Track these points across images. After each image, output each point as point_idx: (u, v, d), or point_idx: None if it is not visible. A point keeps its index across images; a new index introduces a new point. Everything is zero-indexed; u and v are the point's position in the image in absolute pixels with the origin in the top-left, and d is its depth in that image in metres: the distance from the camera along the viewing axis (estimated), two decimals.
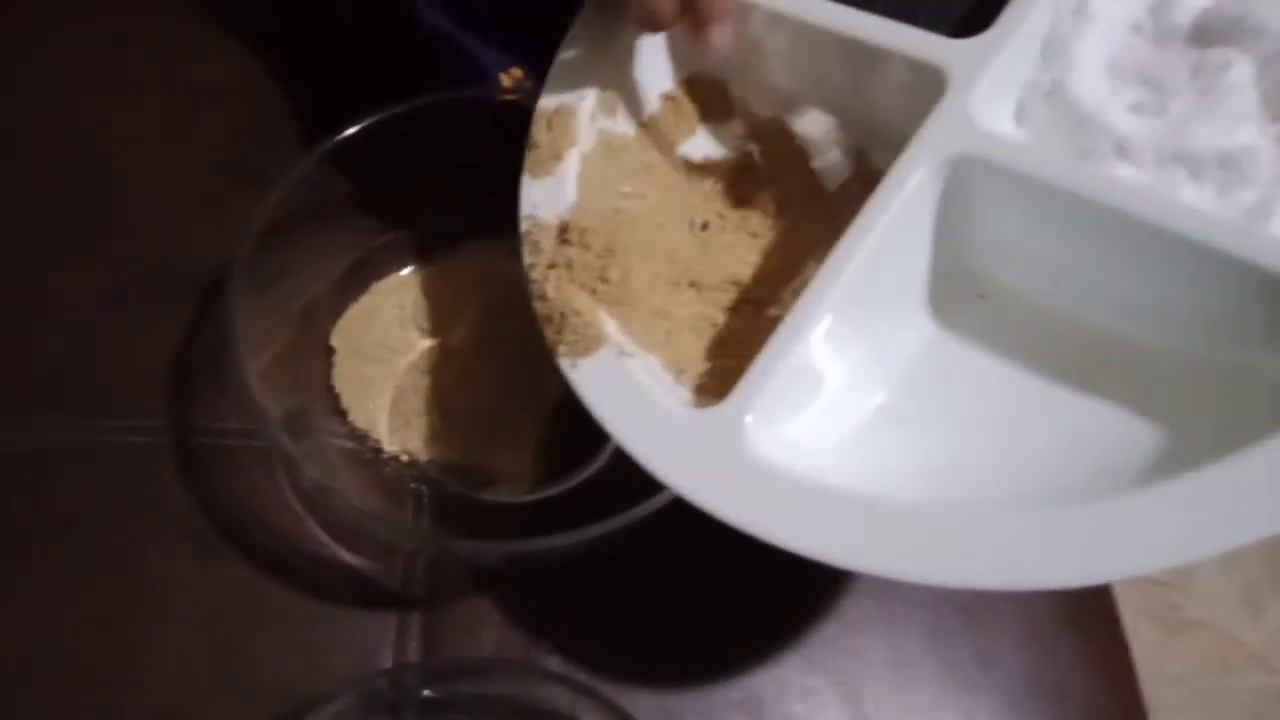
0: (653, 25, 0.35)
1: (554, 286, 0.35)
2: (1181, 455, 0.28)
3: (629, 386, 0.33)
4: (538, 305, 0.35)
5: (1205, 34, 0.33)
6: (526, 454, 0.44)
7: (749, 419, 0.31)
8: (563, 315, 0.34)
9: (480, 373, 0.45)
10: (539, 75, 0.41)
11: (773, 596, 0.42)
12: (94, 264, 0.48)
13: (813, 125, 0.39)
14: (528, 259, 0.36)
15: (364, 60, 0.54)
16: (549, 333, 0.35)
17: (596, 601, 0.42)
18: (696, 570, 0.42)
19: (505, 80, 0.49)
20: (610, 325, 0.34)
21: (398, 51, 0.53)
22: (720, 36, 0.35)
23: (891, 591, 0.43)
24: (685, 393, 0.34)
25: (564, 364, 0.34)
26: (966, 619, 0.42)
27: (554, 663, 0.41)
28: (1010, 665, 0.42)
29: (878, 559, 0.28)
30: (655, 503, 0.35)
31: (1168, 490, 0.26)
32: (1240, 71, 0.32)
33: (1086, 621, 0.44)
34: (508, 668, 0.41)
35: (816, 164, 0.39)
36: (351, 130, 0.44)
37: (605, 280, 0.34)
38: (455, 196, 0.49)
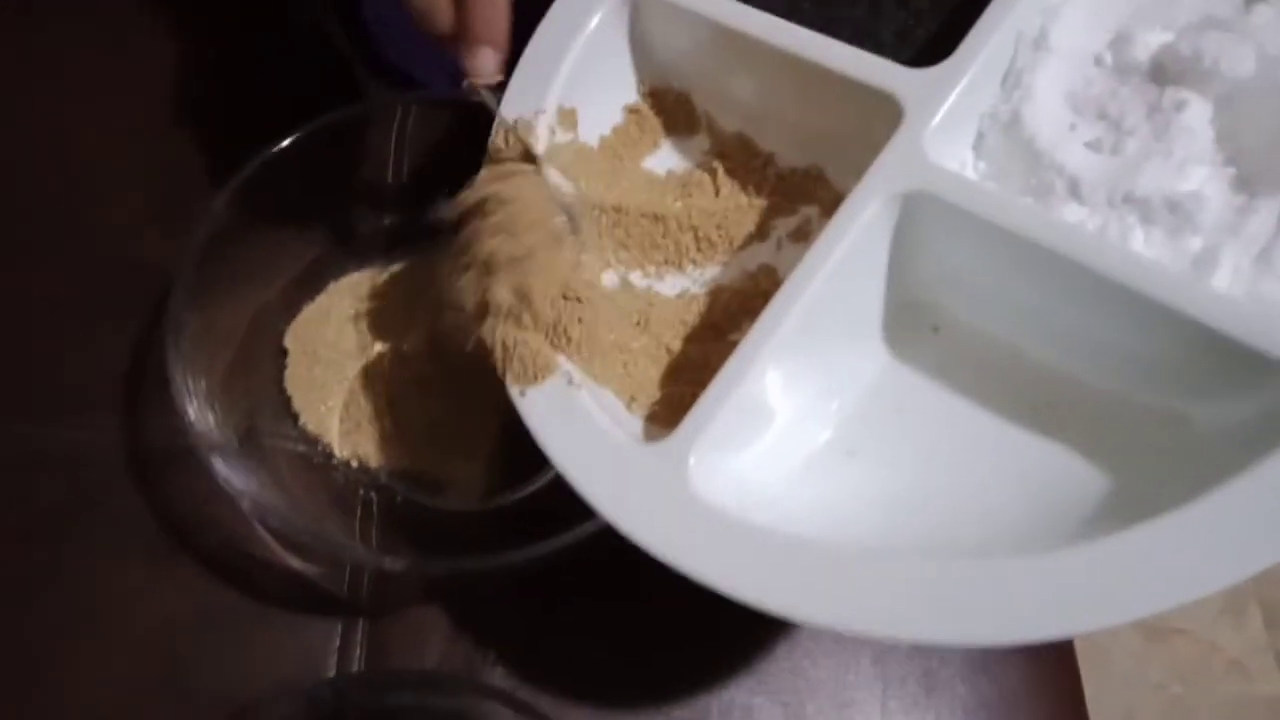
0: (425, 26, 0.35)
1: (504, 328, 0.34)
2: (1120, 503, 0.28)
3: (576, 417, 0.32)
4: (486, 333, 0.35)
5: (1163, 72, 0.32)
6: (478, 463, 0.44)
7: (693, 458, 0.30)
8: (512, 343, 0.34)
9: (434, 378, 0.45)
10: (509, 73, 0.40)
11: (720, 614, 0.41)
12: (47, 268, 0.48)
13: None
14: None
15: (325, 57, 0.53)
16: (497, 360, 0.34)
17: (543, 615, 0.42)
18: (644, 587, 0.41)
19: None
20: (560, 355, 0.34)
21: (357, 48, 0.52)
22: (485, 60, 0.36)
23: None
24: (636, 422, 0.34)
25: (512, 392, 0.33)
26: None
27: (498, 674, 0.41)
28: (957, 688, 0.42)
29: (813, 609, 0.28)
30: (603, 520, 0.34)
31: (1103, 548, 0.26)
32: (1195, 112, 0.31)
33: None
34: (449, 682, 0.40)
35: None
36: (305, 130, 0.43)
37: (567, 336, 0.34)
38: (415, 196, 0.49)
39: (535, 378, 0.33)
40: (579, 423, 0.32)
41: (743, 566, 0.29)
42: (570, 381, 0.33)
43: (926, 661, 0.42)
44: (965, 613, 0.26)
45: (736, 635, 0.42)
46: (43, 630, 0.41)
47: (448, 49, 0.36)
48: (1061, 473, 0.30)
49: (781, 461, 0.33)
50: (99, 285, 0.47)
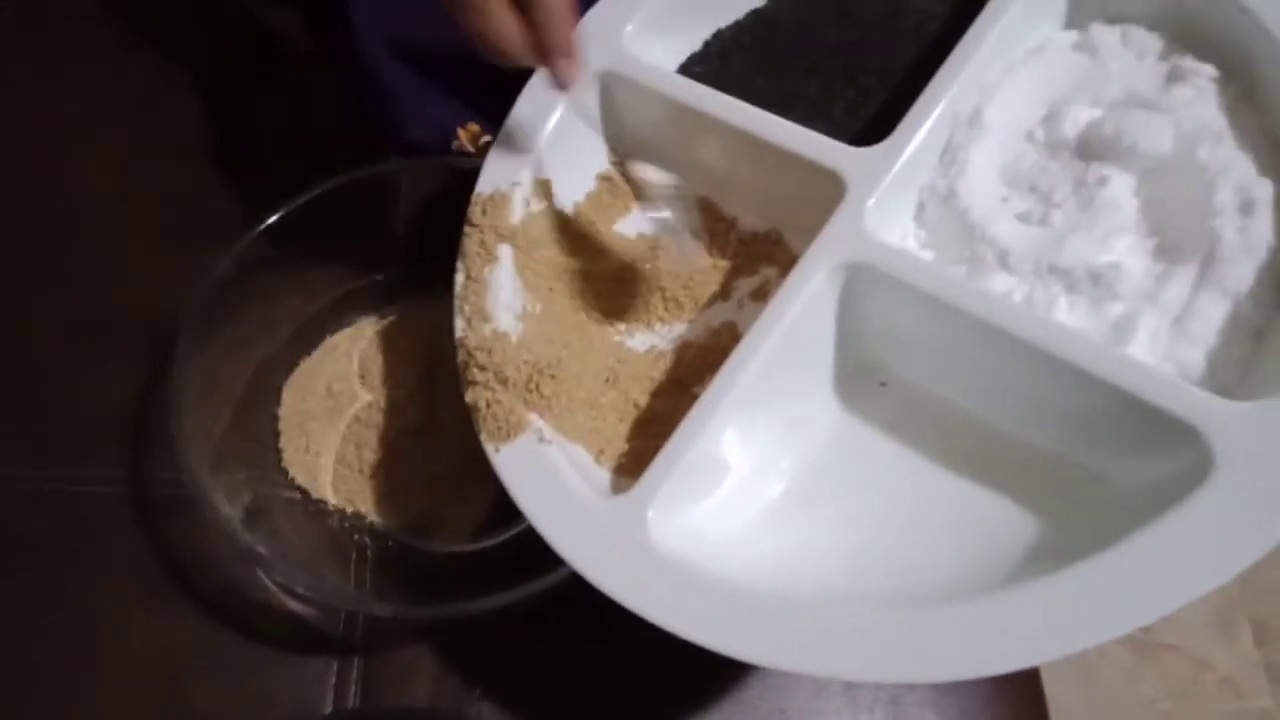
0: (500, 58, 0.36)
1: (481, 389, 0.37)
2: (1047, 550, 0.30)
3: (546, 472, 0.35)
4: (466, 393, 0.37)
5: (1089, 148, 0.35)
6: (465, 507, 0.46)
7: (651, 512, 0.33)
8: (486, 404, 0.36)
9: (424, 428, 0.47)
10: (495, 130, 0.42)
11: (693, 649, 0.44)
12: (54, 312, 0.50)
13: (652, 174, 0.41)
14: (461, 356, 0.38)
15: (329, 113, 0.56)
16: (475, 418, 0.37)
17: (527, 653, 0.44)
18: (626, 622, 0.43)
19: (463, 135, 0.51)
20: (532, 414, 0.36)
21: (359, 104, 0.55)
22: (568, 70, 0.37)
23: None
24: (604, 474, 0.37)
25: (488, 449, 0.36)
26: None
27: (485, 709, 0.43)
28: (926, 714, 0.43)
29: (765, 653, 0.30)
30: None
31: (1025, 594, 0.28)
32: (1118, 186, 0.34)
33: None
34: (440, 717, 0.43)
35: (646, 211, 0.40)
36: (305, 197, 0.45)
37: (540, 394, 0.36)
38: (410, 254, 0.51)
39: (508, 436, 0.36)
40: (548, 478, 0.35)
41: (699, 613, 0.31)
42: (541, 438, 0.36)
43: (894, 689, 0.44)
44: (911, 654, 0.29)
45: (710, 666, 0.43)
46: (42, 665, 0.42)
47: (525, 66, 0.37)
48: (996, 522, 0.33)
49: (739, 513, 0.35)
50: (103, 329, 0.49)
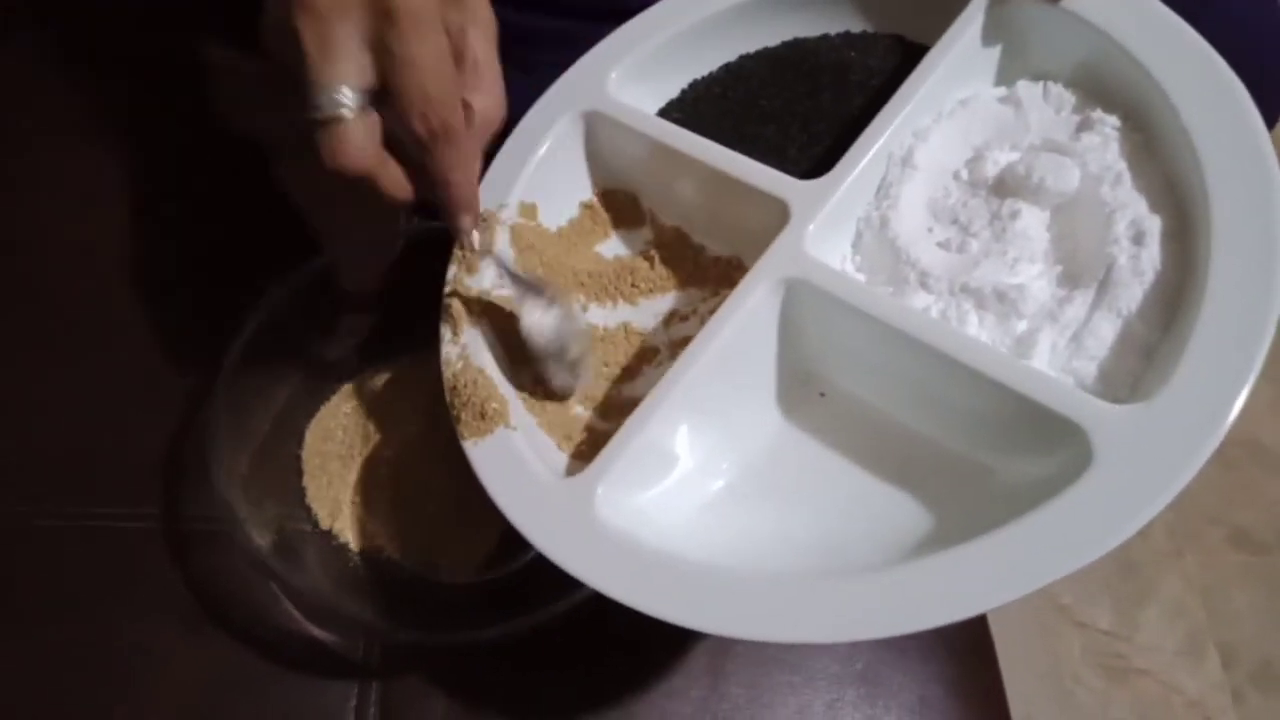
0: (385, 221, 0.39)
1: (465, 384, 0.41)
2: (938, 534, 0.34)
3: (511, 459, 0.39)
4: (449, 395, 0.41)
5: (1004, 186, 0.39)
6: (475, 542, 0.49)
7: (600, 489, 0.37)
8: (467, 403, 0.40)
9: (435, 467, 0.50)
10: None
11: (692, 668, 0.47)
12: (90, 361, 0.53)
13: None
14: (444, 350, 0.42)
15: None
16: (454, 417, 0.40)
17: (533, 675, 0.47)
18: (628, 645, 0.47)
19: None
20: (506, 407, 0.40)
21: None
22: (461, 223, 0.39)
23: (797, 665, 0.48)
24: (564, 459, 0.40)
25: (466, 445, 0.40)
26: (862, 690, 0.47)
27: None
28: None
29: (695, 616, 0.33)
30: (587, 592, 0.37)
31: (924, 565, 0.32)
32: (1029, 219, 0.38)
33: (971, 691, 0.48)
34: None
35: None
36: (320, 261, 0.49)
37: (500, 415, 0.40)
38: (419, 304, 0.55)
39: (482, 432, 0.40)
40: (513, 464, 0.39)
41: (642, 583, 0.35)
42: (507, 425, 0.40)
43: (871, 709, 0.47)
44: (832, 618, 0.32)
45: (704, 691, 0.47)
46: (84, 690, 0.45)
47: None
48: (901, 510, 0.36)
49: (682, 503, 0.39)
50: (141, 380, 0.53)
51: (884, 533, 0.36)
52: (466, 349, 0.42)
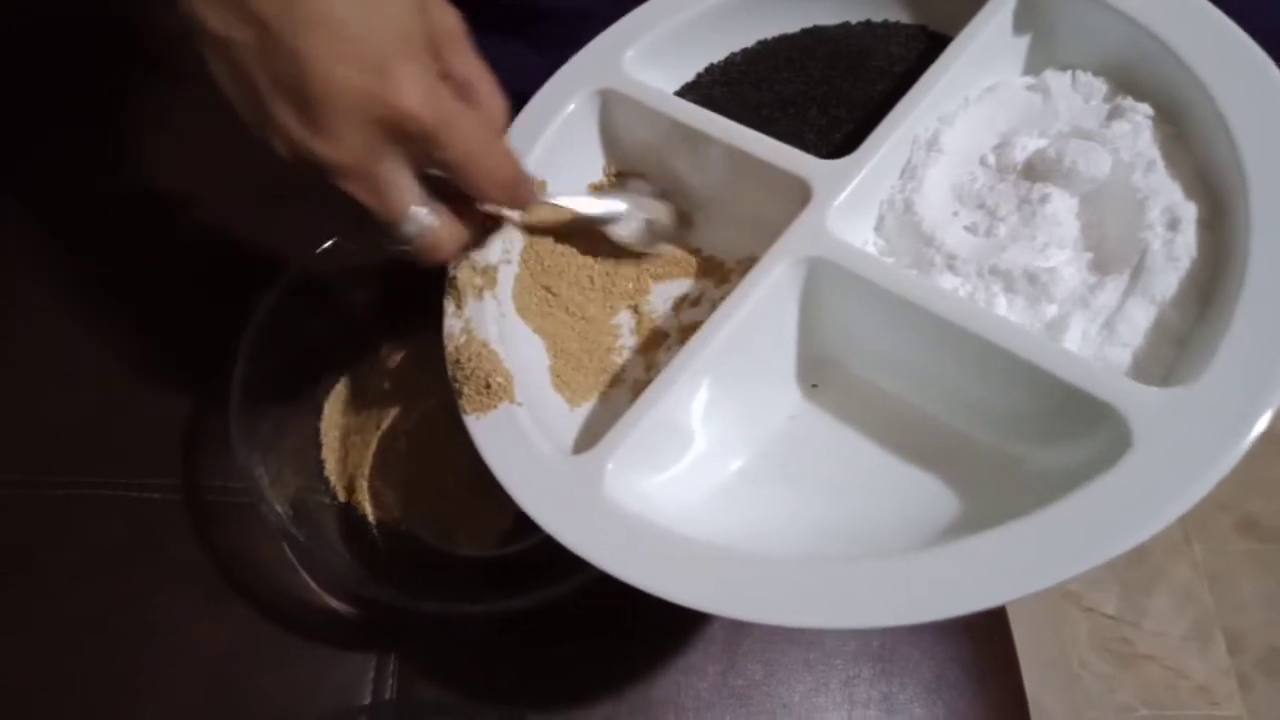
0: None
1: (468, 357, 0.39)
2: (965, 521, 0.32)
3: (516, 435, 0.37)
4: (451, 368, 0.39)
5: (1033, 170, 0.38)
6: (493, 516, 0.48)
7: (610, 465, 0.35)
8: (470, 376, 0.38)
9: (452, 441, 0.48)
10: None
11: (709, 644, 0.47)
12: (114, 334, 0.54)
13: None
14: (447, 324, 0.40)
15: None
16: (456, 391, 0.39)
17: (550, 649, 0.47)
18: (642, 621, 0.47)
19: None
20: (511, 382, 0.38)
21: None
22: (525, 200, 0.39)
23: (813, 642, 0.47)
24: (572, 434, 0.39)
25: (468, 420, 0.38)
26: (878, 667, 0.47)
27: (511, 702, 0.45)
28: (915, 710, 0.46)
29: (701, 597, 0.32)
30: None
31: (949, 551, 0.30)
32: (1058, 205, 0.37)
33: (987, 671, 0.48)
34: (471, 707, 0.46)
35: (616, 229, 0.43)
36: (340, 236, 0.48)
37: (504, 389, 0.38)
38: (435, 280, 0.54)
39: (485, 407, 0.38)
40: (518, 439, 0.37)
41: (651, 563, 0.33)
42: (511, 401, 0.38)
43: (887, 686, 0.46)
44: (847, 604, 0.30)
45: (721, 667, 0.46)
46: (106, 659, 0.46)
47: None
48: (925, 496, 0.35)
49: (696, 486, 0.37)
50: (162, 354, 0.53)
51: (907, 518, 0.34)
52: (470, 322, 0.40)
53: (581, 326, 0.42)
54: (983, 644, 0.48)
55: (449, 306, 0.41)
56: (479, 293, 0.41)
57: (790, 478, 0.37)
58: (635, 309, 0.44)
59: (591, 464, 0.35)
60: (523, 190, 0.38)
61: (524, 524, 0.45)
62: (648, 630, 0.47)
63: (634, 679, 0.46)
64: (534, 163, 0.44)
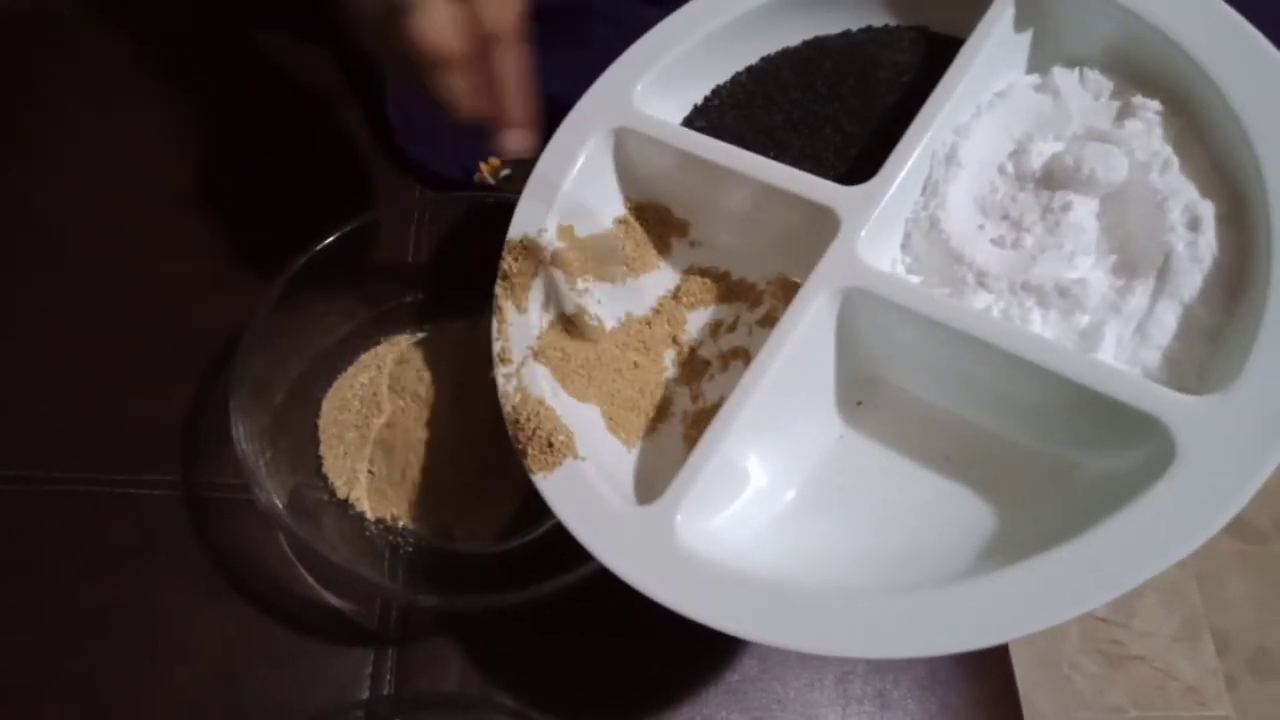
0: (456, 113, 0.38)
1: (526, 417, 0.40)
2: (1022, 540, 0.34)
3: (584, 490, 0.39)
4: (511, 429, 0.41)
5: (1052, 178, 0.39)
6: (491, 512, 0.49)
7: (679, 516, 0.36)
8: (533, 436, 0.40)
9: (450, 438, 0.50)
10: (514, 165, 0.46)
11: (703, 639, 0.47)
12: (113, 331, 0.54)
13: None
14: (501, 386, 0.42)
15: (359, 148, 0.60)
16: (520, 451, 0.40)
17: (547, 644, 0.48)
18: (636, 616, 0.46)
19: (485, 168, 0.56)
20: (572, 439, 0.40)
21: (387, 140, 0.59)
22: (516, 139, 0.40)
23: None
24: (631, 482, 0.40)
25: (535, 478, 0.40)
26: (872, 663, 0.48)
27: (508, 697, 0.47)
28: (909, 706, 0.47)
29: (773, 634, 0.34)
30: (600, 563, 0.39)
31: (1003, 577, 0.32)
32: (1080, 211, 0.38)
33: (980, 668, 0.49)
34: (468, 701, 0.46)
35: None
36: (341, 232, 0.50)
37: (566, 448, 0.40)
38: (433, 276, 0.55)
39: (551, 466, 0.39)
40: (585, 495, 0.38)
41: (723, 603, 0.35)
42: (577, 456, 0.39)
43: (881, 683, 0.48)
44: (914, 634, 0.32)
45: (716, 661, 0.48)
46: (107, 653, 0.46)
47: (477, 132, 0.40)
48: (978, 509, 0.37)
49: (753, 520, 0.39)
50: (161, 351, 0.53)
51: (963, 533, 0.36)
52: (522, 379, 0.41)
53: (631, 374, 0.44)
54: None
55: (498, 365, 0.42)
56: (525, 337, 0.42)
57: (845, 501, 0.39)
58: (674, 339, 0.45)
59: (661, 515, 0.37)
60: (509, 40, 0.38)
61: (522, 520, 0.49)
62: (645, 625, 0.46)
63: (631, 673, 0.47)
64: (559, 207, 0.45)
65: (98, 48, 0.62)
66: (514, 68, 0.39)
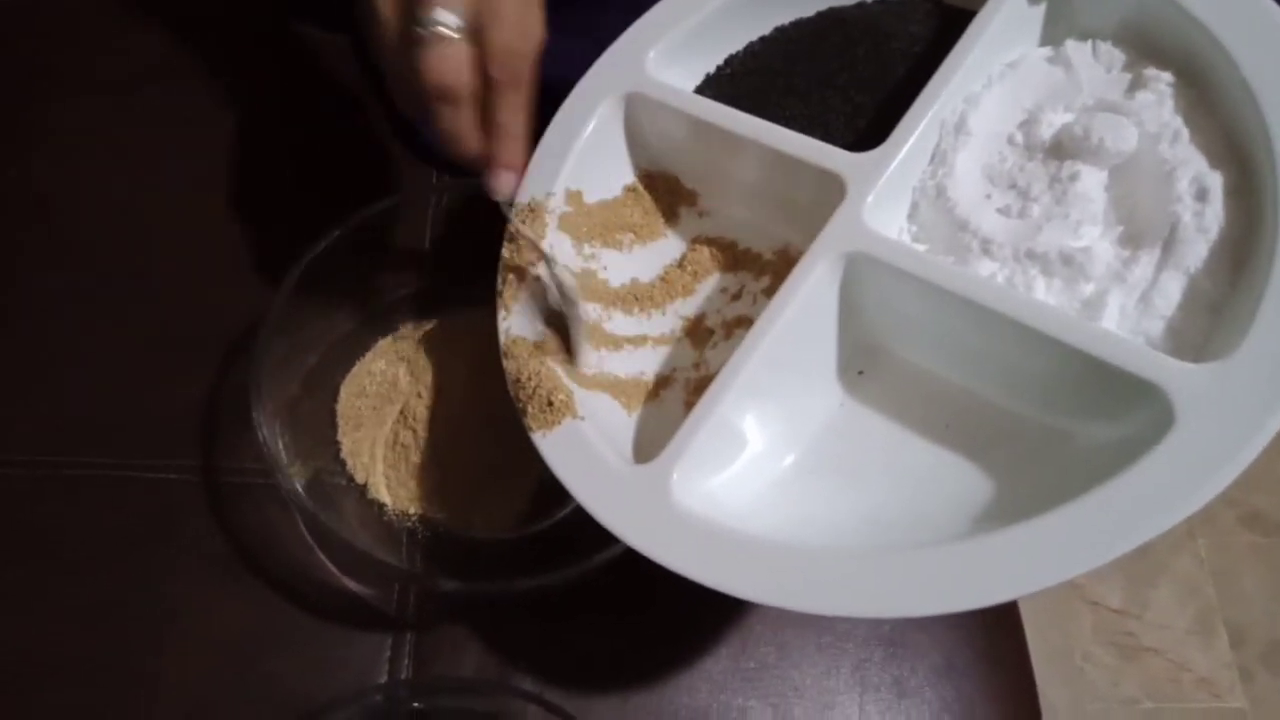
0: (453, 150, 0.40)
1: (528, 376, 0.41)
2: (1021, 504, 0.34)
3: (582, 449, 0.39)
4: (512, 388, 0.41)
5: (1061, 148, 0.39)
6: (508, 498, 0.50)
7: (675, 475, 0.37)
8: (533, 395, 0.40)
9: (468, 424, 0.51)
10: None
11: (721, 626, 0.48)
12: (133, 318, 0.54)
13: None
14: (503, 342, 0.42)
15: (377, 135, 0.61)
16: (520, 410, 0.40)
17: (564, 629, 0.48)
18: (654, 602, 0.48)
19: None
20: (572, 399, 0.40)
21: (402, 126, 0.60)
22: (504, 183, 0.41)
23: (824, 625, 0.48)
24: (630, 439, 0.41)
25: (534, 436, 0.40)
26: (889, 650, 0.48)
27: (526, 681, 0.47)
28: (926, 693, 0.47)
29: (769, 593, 0.34)
30: (619, 547, 0.40)
31: (1002, 538, 0.32)
32: (1089, 181, 0.38)
33: (997, 656, 0.49)
34: (486, 686, 0.47)
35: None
36: (357, 219, 0.50)
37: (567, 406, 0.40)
38: (448, 263, 0.56)
39: (551, 424, 0.40)
40: (584, 453, 0.39)
41: (720, 562, 0.35)
42: (575, 416, 0.40)
43: (898, 670, 0.48)
44: (912, 592, 0.32)
45: (733, 648, 0.48)
46: (129, 640, 0.46)
47: (472, 168, 0.42)
48: (977, 475, 0.37)
49: (751, 483, 0.39)
50: (179, 337, 0.54)
51: (962, 499, 0.36)
52: (526, 341, 0.42)
53: (638, 343, 0.44)
54: (993, 630, 0.49)
55: (501, 325, 0.42)
56: (530, 303, 0.42)
57: (844, 467, 0.39)
58: (677, 310, 0.45)
59: (657, 474, 0.37)
60: (520, 86, 0.39)
61: (540, 506, 0.49)
62: (662, 611, 0.48)
63: (647, 659, 0.47)
64: (568, 173, 0.45)
65: (114, 39, 0.63)
66: (517, 113, 0.40)
